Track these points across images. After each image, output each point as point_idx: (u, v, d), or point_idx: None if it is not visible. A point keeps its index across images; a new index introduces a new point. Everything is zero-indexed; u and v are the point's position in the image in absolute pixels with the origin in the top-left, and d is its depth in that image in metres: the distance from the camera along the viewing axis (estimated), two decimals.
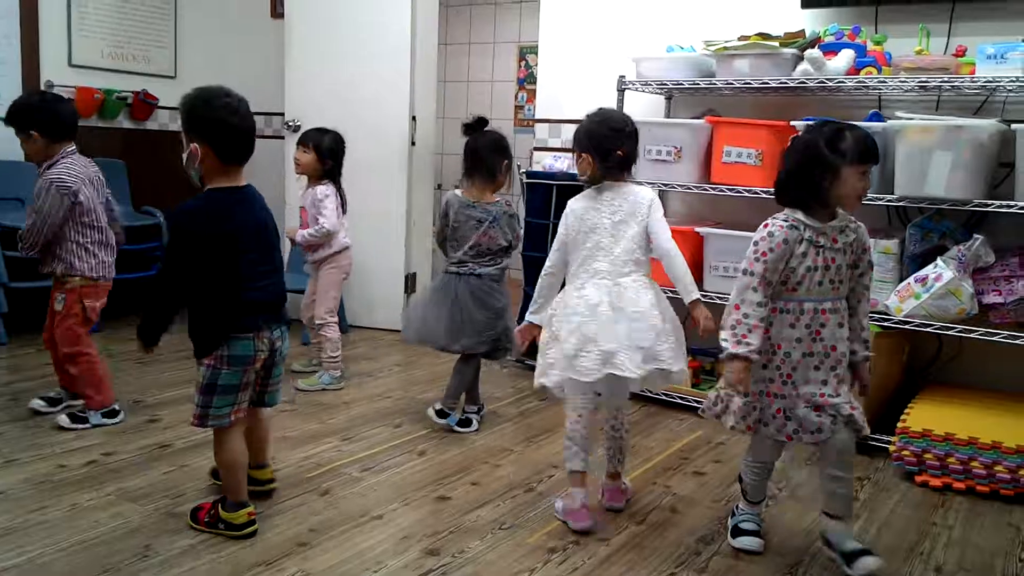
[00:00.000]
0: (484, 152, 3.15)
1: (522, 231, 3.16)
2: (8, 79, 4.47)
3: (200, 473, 2.68)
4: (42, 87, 4.62)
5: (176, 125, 5.64)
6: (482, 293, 3.14)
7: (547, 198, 4.04)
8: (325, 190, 3.73)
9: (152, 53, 5.19)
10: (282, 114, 4.99)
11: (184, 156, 2.27)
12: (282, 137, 5.07)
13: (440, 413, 3.21)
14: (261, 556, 2.17)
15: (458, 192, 3.20)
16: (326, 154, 3.74)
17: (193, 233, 2.22)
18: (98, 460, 2.76)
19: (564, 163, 4.31)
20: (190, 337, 2.32)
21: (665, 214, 3.98)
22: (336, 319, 3.80)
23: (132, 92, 5.03)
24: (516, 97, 6.68)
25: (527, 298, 4.16)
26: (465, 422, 3.23)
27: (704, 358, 3.72)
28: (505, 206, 3.21)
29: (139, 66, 5.12)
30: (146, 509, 2.41)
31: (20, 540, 2.19)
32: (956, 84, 3.04)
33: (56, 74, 4.70)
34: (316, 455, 2.89)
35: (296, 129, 4.90)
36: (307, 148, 3.76)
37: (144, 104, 5.09)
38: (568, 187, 3.96)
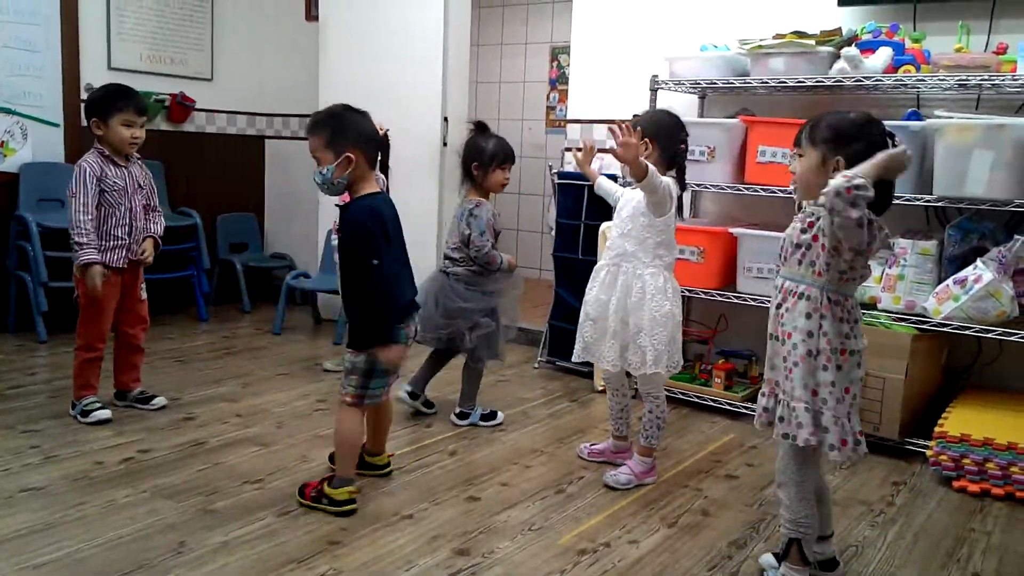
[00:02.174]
0: (461, 155, 3.30)
1: (477, 232, 3.17)
2: (49, 82, 4.57)
3: (233, 470, 2.71)
4: (82, 90, 4.71)
5: (213, 127, 5.74)
6: (443, 292, 3.19)
7: (578, 199, 4.03)
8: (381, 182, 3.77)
9: (189, 56, 5.26)
10: None
11: (328, 168, 2.38)
12: None
13: (460, 415, 3.27)
14: (293, 554, 2.19)
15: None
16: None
17: (372, 232, 2.36)
18: (134, 457, 2.80)
19: (595, 164, 4.28)
20: (355, 329, 2.45)
21: (698, 214, 4.02)
22: None
23: (170, 94, 5.11)
24: (548, 98, 6.67)
25: (558, 299, 4.15)
26: (489, 416, 3.29)
27: (738, 361, 3.69)
28: (468, 204, 3.23)
29: (176, 69, 5.19)
30: (181, 506, 2.44)
31: (58, 535, 2.23)
32: (997, 82, 2.98)
33: (96, 77, 4.77)
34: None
35: None
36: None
37: (181, 106, 5.16)
38: None
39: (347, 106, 2.48)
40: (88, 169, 3.10)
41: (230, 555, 2.17)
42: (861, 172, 1.75)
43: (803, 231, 1.94)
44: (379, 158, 3.19)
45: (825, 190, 1.77)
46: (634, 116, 2.77)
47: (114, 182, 3.14)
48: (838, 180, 1.75)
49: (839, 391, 1.92)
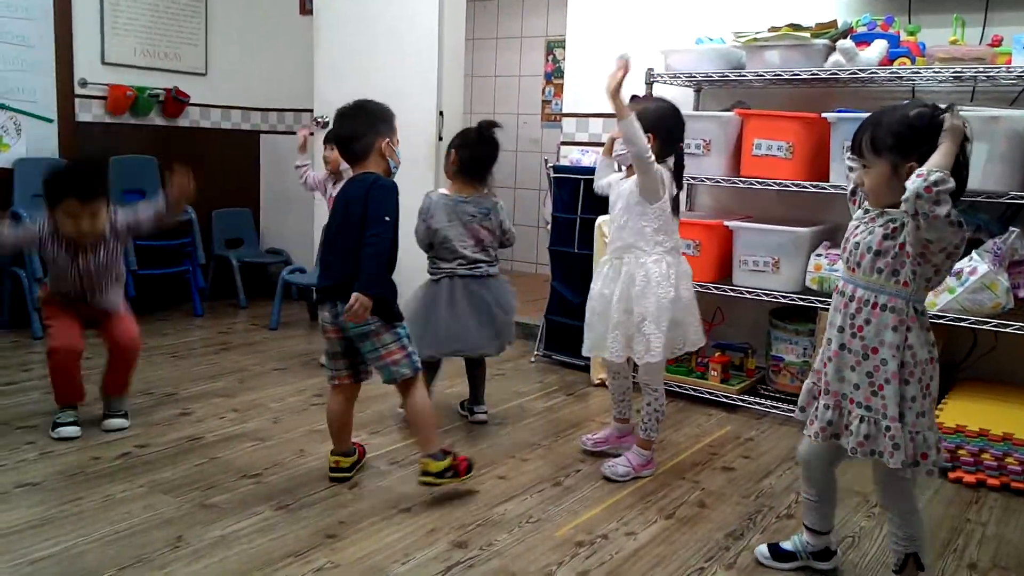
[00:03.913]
0: (481, 154, 3.21)
1: (510, 223, 3.24)
2: (42, 77, 4.55)
3: (230, 465, 2.71)
4: (75, 85, 4.69)
5: (207, 122, 5.73)
6: (503, 293, 3.16)
7: (574, 193, 4.03)
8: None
9: (183, 51, 5.24)
10: (311, 110, 5.03)
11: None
12: (311, 133, 5.10)
13: (484, 413, 3.29)
14: (291, 547, 2.19)
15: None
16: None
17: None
18: (131, 452, 2.80)
19: (591, 157, 4.29)
20: (382, 304, 2.46)
21: (693, 207, 4.02)
22: None
23: (164, 89, 5.09)
24: (543, 92, 6.66)
25: (554, 293, 4.15)
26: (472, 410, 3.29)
27: (734, 353, 3.69)
28: (488, 200, 3.24)
29: (170, 63, 5.18)
30: (178, 500, 2.44)
31: (54, 531, 2.22)
32: (992, 74, 2.98)
33: (89, 72, 4.77)
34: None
35: (325, 125, 4.93)
36: (333, 146, 3.79)
37: (176, 101, 5.14)
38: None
39: (359, 104, 2.62)
40: (35, 232, 2.87)
41: (228, 549, 2.17)
42: (935, 165, 1.65)
43: (885, 237, 1.80)
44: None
45: (905, 196, 1.66)
46: (633, 98, 2.73)
47: (55, 257, 2.90)
48: (915, 182, 1.64)
49: (920, 404, 1.83)
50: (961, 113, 1.75)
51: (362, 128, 2.54)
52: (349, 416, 2.66)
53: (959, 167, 1.72)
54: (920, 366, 1.82)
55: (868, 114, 3.06)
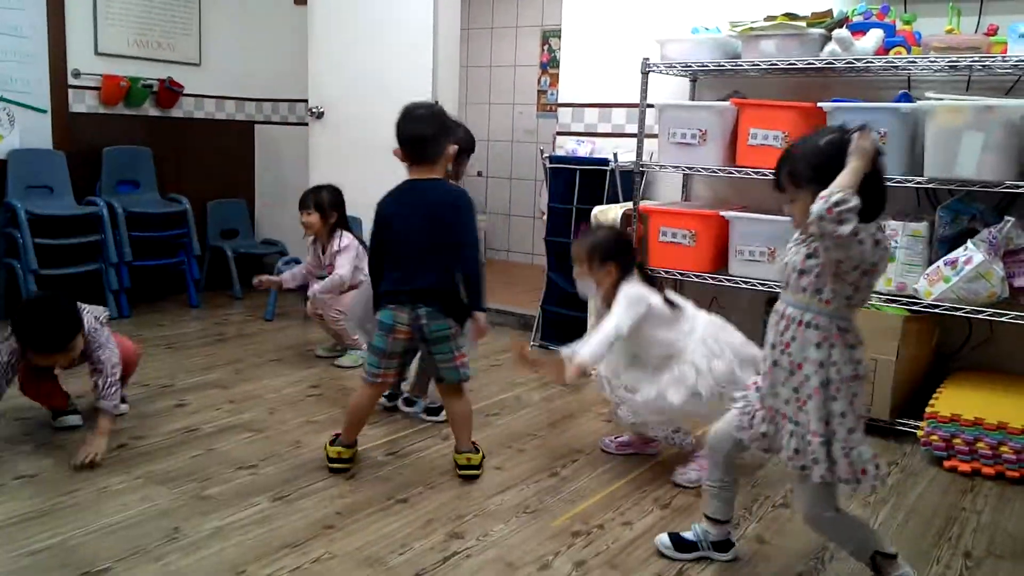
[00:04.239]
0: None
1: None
2: (35, 67, 4.52)
3: (226, 457, 2.71)
4: (69, 76, 4.67)
5: (201, 113, 5.71)
6: None
7: (570, 183, 4.02)
8: (345, 241, 3.83)
9: (177, 41, 5.22)
10: (306, 101, 5.01)
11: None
12: (306, 124, 5.09)
13: (407, 401, 3.22)
14: (288, 538, 2.19)
15: None
16: (329, 209, 3.85)
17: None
18: (127, 444, 2.79)
19: (587, 147, 4.28)
20: (461, 311, 2.57)
21: (689, 197, 4.02)
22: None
23: (158, 80, 5.06)
24: (539, 81, 6.64)
25: (551, 283, 4.15)
26: (433, 410, 3.17)
27: None
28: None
29: (164, 54, 5.15)
30: (174, 492, 2.44)
31: (51, 523, 2.22)
32: (987, 64, 2.98)
33: (83, 63, 4.74)
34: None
35: (320, 116, 4.92)
36: (310, 211, 3.84)
37: (169, 92, 5.12)
38: (591, 171, 3.95)
39: (408, 105, 2.67)
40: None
41: (225, 540, 2.17)
42: (838, 186, 1.67)
43: (808, 257, 1.83)
44: None
45: (810, 218, 1.69)
46: (576, 245, 2.68)
47: (26, 373, 2.78)
48: (818, 204, 1.67)
49: (850, 420, 1.84)
50: (872, 134, 1.77)
51: (437, 131, 2.55)
52: (371, 412, 2.73)
53: (876, 183, 1.75)
54: (845, 383, 1.84)
55: (865, 103, 3.08)
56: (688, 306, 2.66)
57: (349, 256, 3.80)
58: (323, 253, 3.92)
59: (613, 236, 2.72)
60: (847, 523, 1.98)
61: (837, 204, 1.64)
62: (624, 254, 2.63)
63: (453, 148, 2.59)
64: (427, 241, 2.51)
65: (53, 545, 2.11)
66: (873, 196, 1.73)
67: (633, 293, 2.54)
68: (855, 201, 1.66)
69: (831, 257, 1.75)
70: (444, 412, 3.13)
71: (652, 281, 2.66)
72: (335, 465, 2.63)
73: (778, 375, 1.91)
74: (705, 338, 2.56)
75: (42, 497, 2.37)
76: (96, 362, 2.69)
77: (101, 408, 2.66)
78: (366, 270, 3.80)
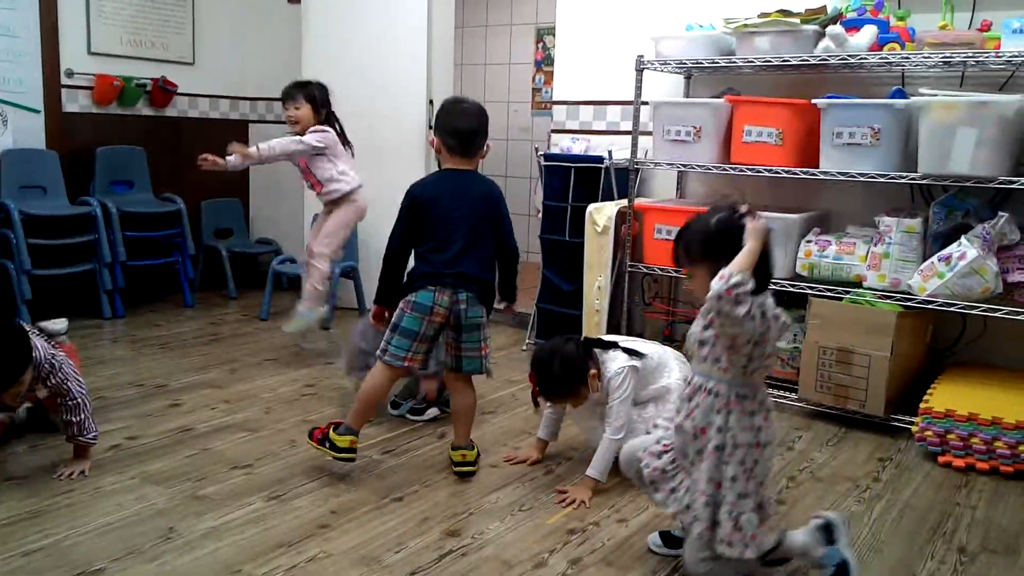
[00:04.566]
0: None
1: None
2: (28, 67, 4.51)
3: (221, 456, 2.71)
4: (62, 75, 4.65)
5: (195, 112, 5.69)
6: None
7: (565, 180, 4.02)
8: (323, 130, 3.75)
9: (170, 40, 5.20)
10: None
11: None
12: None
13: (393, 404, 3.19)
14: (283, 538, 2.19)
15: None
16: (320, 103, 3.79)
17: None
18: (121, 444, 2.79)
19: (582, 145, 4.28)
20: (490, 298, 2.65)
21: (684, 195, 4.03)
22: (331, 262, 3.84)
23: (151, 79, 5.05)
24: (534, 79, 6.64)
25: (546, 281, 4.15)
26: (419, 410, 3.17)
27: None
28: None
29: (157, 53, 5.13)
30: (169, 492, 2.44)
31: (45, 523, 2.22)
32: (981, 59, 2.98)
33: (75, 62, 4.73)
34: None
35: None
36: (298, 103, 3.76)
37: (163, 91, 5.10)
38: (585, 169, 3.95)
39: (447, 101, 2.70)
40: None
41: (220, 540, 2.16)
42: (736, 268, 1.77)
43: (705, 328, 1.91)
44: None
45: (708, 296, 1.79)
46: (555, 399, 2.64)
47: None
48: (717, 284, 1.76)
49: (741, 486, 1.87)
50: (761, 215, 1.87)
51: (484, 126, 2.61)
52: (385, 398, 2.74)
53: (763, 259, 1.84)
54: (741, 448, 1.88)
55: (859, 100, 3.08)
56: (652, 350, 2.66)
57: (325, 136, 3.73)
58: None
59: (567, 352, 2.54)
60: (725, 569, 1.97)
61: (735, 286, 1.75)
62: (583, 368, 2.52)
63: (490, 144, 2.65)
64: (475, 228, 2.55)
65: (47, 546, 2.10)
66: (761, 271, 1.83)
67: (615, 381, 2.52)
68: (751, 284, 1.76)
69: (725, 332, 1.83)
70: (429, 411, 3.15)
71: (605, 344, 2.62)
72: (346, 455, 2.53)
73: (685, 438, 1.96)
74: (683, 376, 2.55)
75: (36, 498, 2.36)
76: (67, 395, 2.48)
77: (85, 443, 2.55)
78: (348, 182, 3.82)
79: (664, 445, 2.03)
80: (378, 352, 2.58)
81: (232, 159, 3.79)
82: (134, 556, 2.07)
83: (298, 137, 3.73)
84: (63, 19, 4.64)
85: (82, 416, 2.53)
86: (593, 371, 2.52)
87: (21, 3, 4.45)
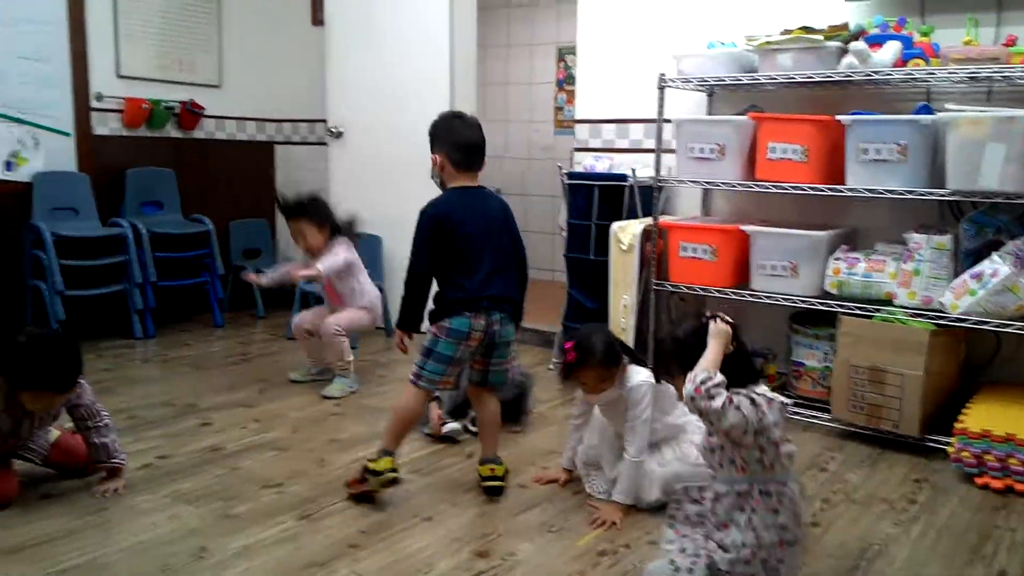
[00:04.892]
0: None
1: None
2: (59, 91, 4.59)
3: (252, 475, 2.72)
4: (92, 99, 4.73)
5: (223, 134, 5.75)
6: None
7: (589, 199, 4.02)
8: (338, 246, 3.77)
9: (197, 63, 5.28)
10: (325, 121, 5.05)
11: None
12: (325, 143, 5.13)
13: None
14: (313, 557, 2.19)
15: None
16: (323, 218, 3.79)
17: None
18: (153, 463, 2.81)
19: (605, 163, 4.29)
20: (519, 314, 2.69)
21: (709, 212, 4.01)
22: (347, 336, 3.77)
23: (179, 102, 5.12)
24: (555, 98, 6.67)
25: (571, 300, 4.15)
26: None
27: (754, 359, 3.66)
28: None
29: (185, 76, 5.21)
30: (201, 511, 2.45)
31: (80, 541, 2.24)
32: (1007, 74, 2.96)
33: (105, 86, 4.81)
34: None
35: (339, 135, 4.96)
36: (309, 224, 3.74)
37: (191, 114, 5.17)
38: (609, 187, 3.95)
39: (452, 113, 2.72)
40: None
41: (251, 560, 2.17)
42: (700, 367, 1.86)
43: (710, 434, 1.94)
44: None
45: (684, 401, 1.87)
46: (589, 365, 2.53)
47: None
48: (686, 387, 1.85)
49: None
50: (724, 318, 1.96)
51: (484, 139, 2.63)
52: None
53: (741, 357, 1.95)
54: (764, 549, 1.86)
55: (885, 116, 3.06)
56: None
57: (350, 248, 3.77)
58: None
59: (608, 334, 2.59)
60: None
61: (702, 383, 1.83)
62: (618, 354, 2.52)
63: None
64: (500, 246, 2.56)
65: (82, 564, 2.12)
66: (742, 368, 1.93)
67: (636, 393, 2.48)
68: (719, 377, 1.84)
69: (718, 430, 1.86)
70: (450, 426, 3.14)
71: (633, 354, 2.61)
72: (389, 475, 2.50)
73: (708, 528, 1.96)
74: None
75: (70, 516, 2.39)
76: (96, 416, 2.52)
77: (116, 464, 2.58)
78: (366, 294, 3.83)
79: (703, 495, 2.01)
80: (411, 377, 2.56)
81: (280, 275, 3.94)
82: (167, 574, 2.08)
83: (338, 256, 3.72)
84: (92, 43, 4.73)
85: (112, 437, 2.57)
86: (622, 365, 2.53)
87: (51, 27, 4.53)
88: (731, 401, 1.82)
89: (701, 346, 1.92)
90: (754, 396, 1.85)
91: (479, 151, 2.60)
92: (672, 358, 2.02)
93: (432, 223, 2.53)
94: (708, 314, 1.99)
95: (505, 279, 2.58)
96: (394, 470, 2.53)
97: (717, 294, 3.53)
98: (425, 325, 2.61)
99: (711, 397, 1.82)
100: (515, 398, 3.28)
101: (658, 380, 2.10)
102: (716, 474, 1.96)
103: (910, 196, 3.09)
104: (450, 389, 2.72)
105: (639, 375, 2.53)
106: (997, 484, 2.73)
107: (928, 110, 3.18)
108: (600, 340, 2.50)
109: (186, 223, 5.00)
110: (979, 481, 2.77)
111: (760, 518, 1.86)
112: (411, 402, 2.57)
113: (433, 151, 2.60)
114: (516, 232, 2.66)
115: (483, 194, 2.62)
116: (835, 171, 3.29)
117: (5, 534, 2.27)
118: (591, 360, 2.46)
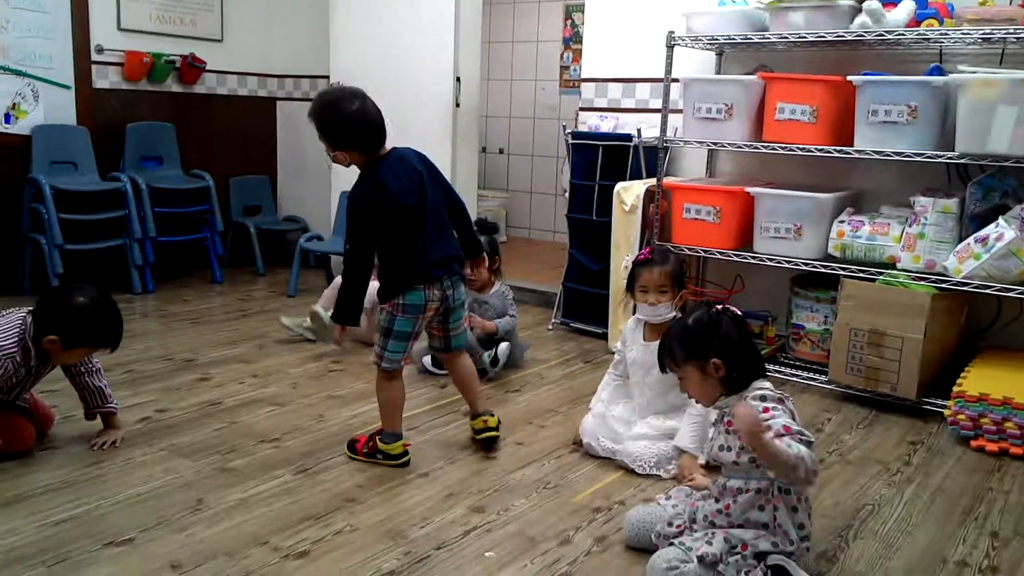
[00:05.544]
0: None
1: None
2: (59, 43, 4.53)
3: (249, 430, 2.73)
4: (92, 52, 4.68)
5: (224, 89, 5.68)
6: None
7: (592, 160, 3.98)
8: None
9: (199, 17, 5.21)
10: (327, 77, 4.99)
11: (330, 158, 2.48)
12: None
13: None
14: (310, 510, 2.20)
15: None
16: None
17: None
18: (151, 417, 2.82)
19: (610, 123, 4.24)
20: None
21: (714, 173, 3.97)
22: None
23: (180, 56, 5.06)
24: (562, 57, 6.58)
25: (572, 261, 4.13)
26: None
27: (754, 321, 3.65)
28: None
29: (186, 30, 5.15)
30: (198, 464, 2.46)
31: (77, 493, 2.25)
32: (1022, 36, 2.90)
33: (106, 39, 4.75)
34: (363, 413, 2.92)
35: None
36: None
37: (192, 68, 5.12)
38: (614, 147, 3.91)
39: (331, 99, 2.41)
40: (10, 368, 2.38)
41: (248, 512, 2.18)
42: (795, 452, 1.70)
43: (727, 432, 1.89)
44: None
45: (800, 478, 1.72)
46: (656, 270, 2.60)
47: (10, 381, 2.44)
48: (799, 474, 1.70)
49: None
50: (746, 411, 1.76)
51: None
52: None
53: (748, 347, 1.93)
54: (797, 543, 1.83)
55: (897, 77, 3.00)
56: None
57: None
58: None
59: (681, 260, 2.70)
60: None
61: (814, 466, 1.72)
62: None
63: None
64: (432, 203, 2.45)
65: (78, 515, 2.13)
66: (749, 362, 1.91)
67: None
68: (804, 450, 1.72)
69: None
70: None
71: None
72: (404, 459, 2.50)
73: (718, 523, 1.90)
74: None
75: (68, 468, 2.40)
76: (89, 360, 2.58)
77: (110, 410, 2.62)
78: None
79: (678, 526, 1.97)
80: (374, 360, 2.50)
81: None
82: (163, 527, 2.09)
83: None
84: None
85: (104, 381, 2.61)
86: (683, 295, 2.61)
87: None
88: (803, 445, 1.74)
89: (710, 333, 1.91)
90: (792, 410, 1.83)
91: (381, 128, 2.41)
92: (681, 347, 1.96)
93: (368, 207, 2.38)
94: (717, 308, 1.96)
95: (446, 237, 2.49)
96: (406, 452, 2.53)
97: (719, 256, 3.51)
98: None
99: (816, 473, 1.75)
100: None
101: (663, 369, 2.03)
102: (728, 470, 1.93)
103: (919, 159, 3.05)
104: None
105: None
106: (992, 447, 2.73)
107: (940, 71, 3.13)
108: (675, 257, 2.65)
109: (186, 178, 4.97)
110: (974, 444, 2.77)
111: (784, 516, 1.83)
112: (386, 386, 2.51)
113: (334, 149, 2.40)
114: (442, 179, 2.53)
115: (401, 155, 2.45)
116: (843, 133, 3.24)
117: (2, 485, 2.27)
118: (665, 262, 2.60)
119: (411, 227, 2.41)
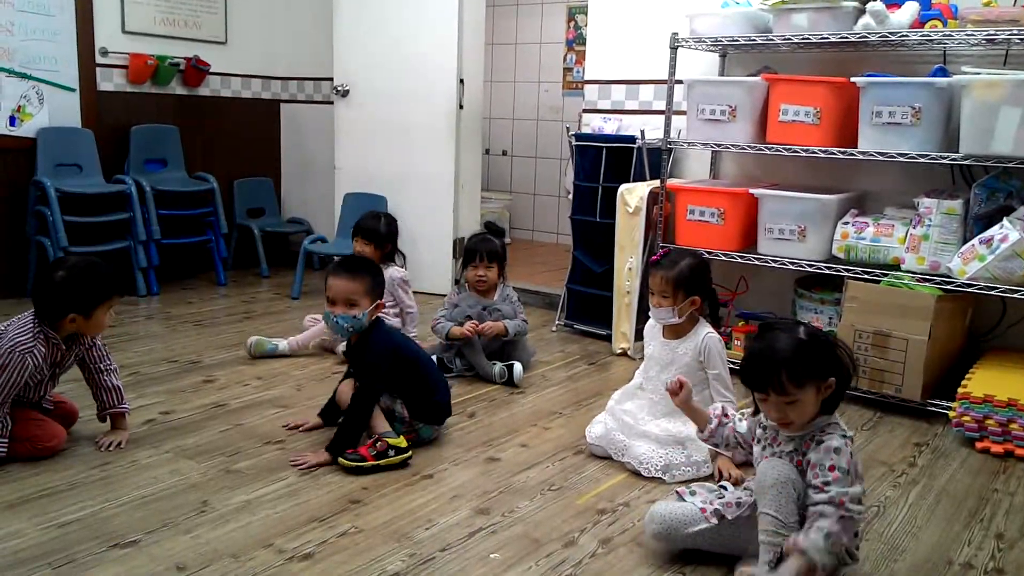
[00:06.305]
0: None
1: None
2: (63, 46, 4.54)
3: (254, 432, 2.73)
4: (96, 54, 4.69)
5: (228, 91, 5.69)
6: None
7: (596, 161, 3.98)
8: (401, 273, 3.70)
9: (203, 19, 5.22)
10: (331, 79, 5.00)
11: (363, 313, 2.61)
12: (331, 102, 5.08)
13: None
14: (315, 512, 2.20)
15: None
16: (385, 240, 3.73)
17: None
18: (156, 419, 2.82)
19: (613, 125, 4.24)
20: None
21: (718, 175, 3.97)
22: None
23: (184, 58, 5.07)
24: (565, 59, 6.59)
25: (576, 262, 4.13)
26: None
27: (758, 323, 3.65)
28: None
29: (190, 32, 5.16)
30: (203, 466, 2.46)
31: (82, 495, 2.25)
32: None
33: (110, 42, 4.76)
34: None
35: (345, 94, 4.92)
36: (366, 241, 3.70)
37: (196, 70, 5.13)
38: (617, 149, 3.91)
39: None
40: (31, 364, 2.39)
41: (252, 514, 2.18)
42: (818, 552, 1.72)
43: (772, 445, 1.93)
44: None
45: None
46: (661, 272, 2.60)
47: (35, 378, 2.46)
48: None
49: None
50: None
51: None
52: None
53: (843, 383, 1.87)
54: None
55: (900, 78, 2.99)
56: None
57: (408, 289, 3.73)
58: None
59: (699, 265, 2.65)
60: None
61: (854, 501, 1.79)
62: (708, 285, 2.67)
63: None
64: None
65: (84, 516, 2.14)
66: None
67: (719, 342, 2.60)
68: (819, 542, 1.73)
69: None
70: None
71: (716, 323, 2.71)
72: (405, 455, 2.52)
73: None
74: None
75: (73, 470, 2.40)
76: (107, 358, 2.61)
77: (123, 412, 2.64)
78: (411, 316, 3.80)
79: (703, 508, 1.99)
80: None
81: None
82: (168, 528, 2.09)
83: (400, 278, 3.69)
84: None
85: (120, 382, 2.62)
86: (694, 300, 2.60)
87: None
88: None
89: (829, 352, 1.85)
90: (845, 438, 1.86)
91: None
92: (803, 365, 1.82)
93: (390, 360, 2.62)
94: (823, 329, 1.95)
95: None
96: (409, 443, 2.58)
97: (723, 257, 3.51)
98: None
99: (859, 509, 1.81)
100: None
101: (777, 392, 1.85)
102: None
103: (923, 160, 3.05)
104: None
105: (706, 328, 2.62)
106: (997, 448, 2.73)
107: (944, 72, 3.13)
108: (687, 263, 2.61)
109: (190, 181, 4.98)
110: (979, 445, 2.76)
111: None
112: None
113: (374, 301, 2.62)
114: None
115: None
116: (847, 134, 3.24)
117: (8, 487, 2.28)
118: (670, 268, 2.59)
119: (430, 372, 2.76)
